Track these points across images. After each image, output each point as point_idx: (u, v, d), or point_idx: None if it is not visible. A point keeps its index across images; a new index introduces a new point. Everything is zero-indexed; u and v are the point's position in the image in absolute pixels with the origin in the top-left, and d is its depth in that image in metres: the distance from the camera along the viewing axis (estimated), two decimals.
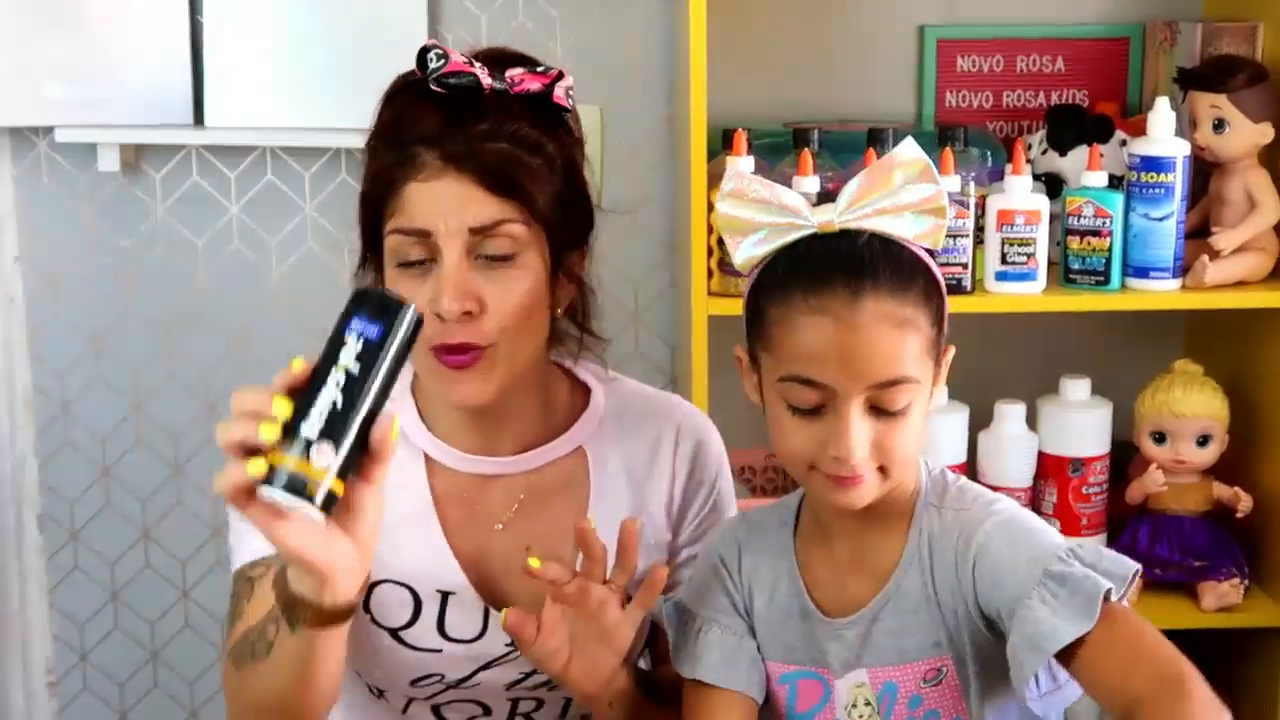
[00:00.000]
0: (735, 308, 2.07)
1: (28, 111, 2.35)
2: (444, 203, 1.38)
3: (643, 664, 1.59)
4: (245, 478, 1.14)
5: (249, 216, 2.42)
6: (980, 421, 2.22)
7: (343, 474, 1.15)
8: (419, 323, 1.18)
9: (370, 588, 1.50)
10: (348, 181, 2.39)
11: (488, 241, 1.39)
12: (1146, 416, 2.22)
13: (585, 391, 1.58)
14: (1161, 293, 2.13)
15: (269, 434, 1.13)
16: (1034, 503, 2.23)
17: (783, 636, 1.39)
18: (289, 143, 2.39)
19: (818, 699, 1.38)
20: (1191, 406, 2.19)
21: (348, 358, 1.15)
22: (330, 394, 1.14)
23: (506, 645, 1.50)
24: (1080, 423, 2.24)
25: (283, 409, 1.13)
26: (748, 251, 1.32)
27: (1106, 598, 1.23)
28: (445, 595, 1.50)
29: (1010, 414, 2.22)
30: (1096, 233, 2.10)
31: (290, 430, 1.14)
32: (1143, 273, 2.12)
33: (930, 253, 1.32)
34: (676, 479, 1.57)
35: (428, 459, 1.52)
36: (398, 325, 1.17)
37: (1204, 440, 2.20)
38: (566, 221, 1.46)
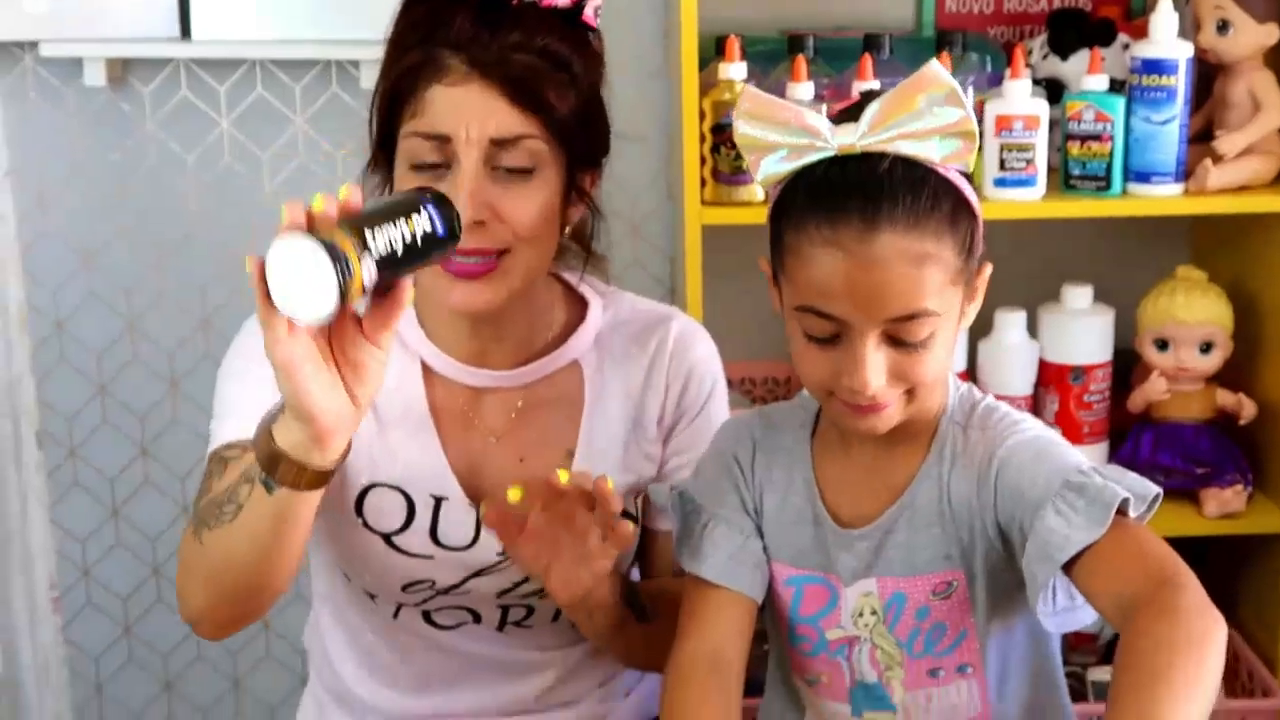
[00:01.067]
0: (730, 217, 2.09)
1: (11, 25, 2.30)
2: (467, 110, 1.37)
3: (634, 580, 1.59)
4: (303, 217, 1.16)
5: (239, 131, 2.39)
6: (980, 330, 2.21)
7: (365, 287, 1.16)
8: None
9: (363, 492, 1.50)
10: (338, 95, 2.36)
11: (506, 154, 1.38)
12: (1149, 324, 2.20)
13: (583, 305, 1.56)
14: (1164, 198, 2.10)
15: (318, 205, 1.15)
16: (1035, 411, 2.21)
17: (792, 540, 1.38)
18: (278, 55, 2.35)
19: (824, 604, 1.37)
20: (1194, 313, 2.17)
21: (418, 227, 1.20)
22: (396, 234, 1.17)
23: (499, 554, 1.50)
24: (1082, 330, 2.22)
25: (348, 192, 1.16)
26: (769, 169, 1.28)
27: (1123, 511, 1.21)
28: (439, 500, 1.50)
29: (1010, 322, 2.21)
30: (1097, 137, 2.07)
31: (347, 225, 1.15)
32: (1144, 178, 2.09)
33: (965, 174, 1.27)
34: (669, 393, 1.55)
35: (425, 367, 1.51)
36: (449, 229, 1.23)
37: (1207, 347, 2.18)
38: (584, 142, 1.44)
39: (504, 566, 1.51)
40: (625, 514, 1.50)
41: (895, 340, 1.25)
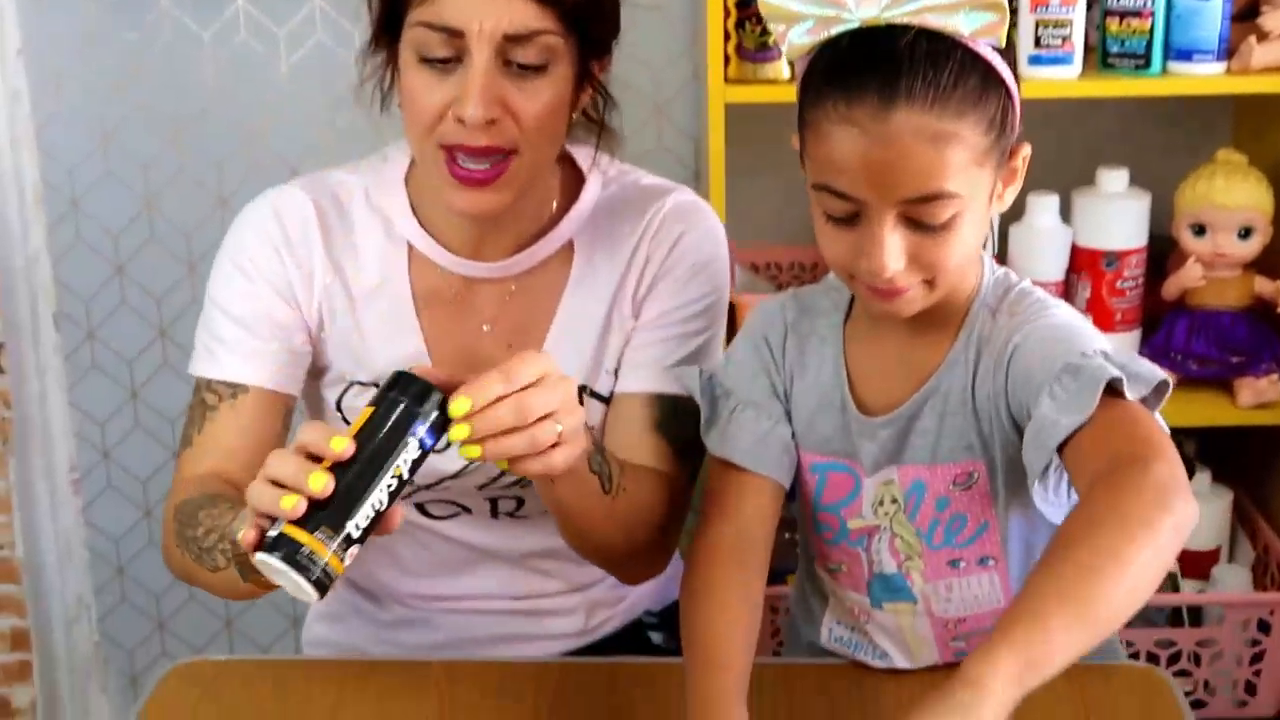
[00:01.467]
0: (755, 96, 2.03)
1: None
2: (481, 3, 1.31)
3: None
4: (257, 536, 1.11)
5: (256, 7, 2.34)
6: (1011, 214, 2.08)
7: (347, 568, 1.13)
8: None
9: (345, 390, 1.49)
10: None
11: (520, 50, 1.32)
12: (1186, 208, 2.14)
13: (583, 184, 1.51)
14: (1205, 77, 2.04)
15: (288, 504, 1.09)
16: (1066, 298, 2.16)
17: (818, 426, 1.36)
18: None
19: (847, 492, 1.36)
20: (1234, 197, 2.11)
21: (405, 464, 1.12)
22: (380, 496, 1.12)
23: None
24: (1116, 214, 2.16)
25: (318, 483, 1.09)
26: (794, 40, 1.24)
27: (1115, 390, 1.15)
28: None
29: (1043, 206, 2.16)
30: (1137, 13, 2.00)
31: (322, 512, 1.10)
32: (1185, 56, 2.03)
33: (1001, 50, 1.22)
34: (649, 265, 1.49)
35: (411, 252, 1.48)
36: (444, 438, 1.14)
37: (1246, 233, 2.13)
38: (597, 29, 1.39)
39: (472, 470, 1.48)
40: (594, 394, 1.49)
41: (915, 222, 1.21)
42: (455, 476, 1.49)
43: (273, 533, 1.11)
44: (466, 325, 1.49)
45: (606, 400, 1.50)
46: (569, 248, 1.49)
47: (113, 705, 2.63)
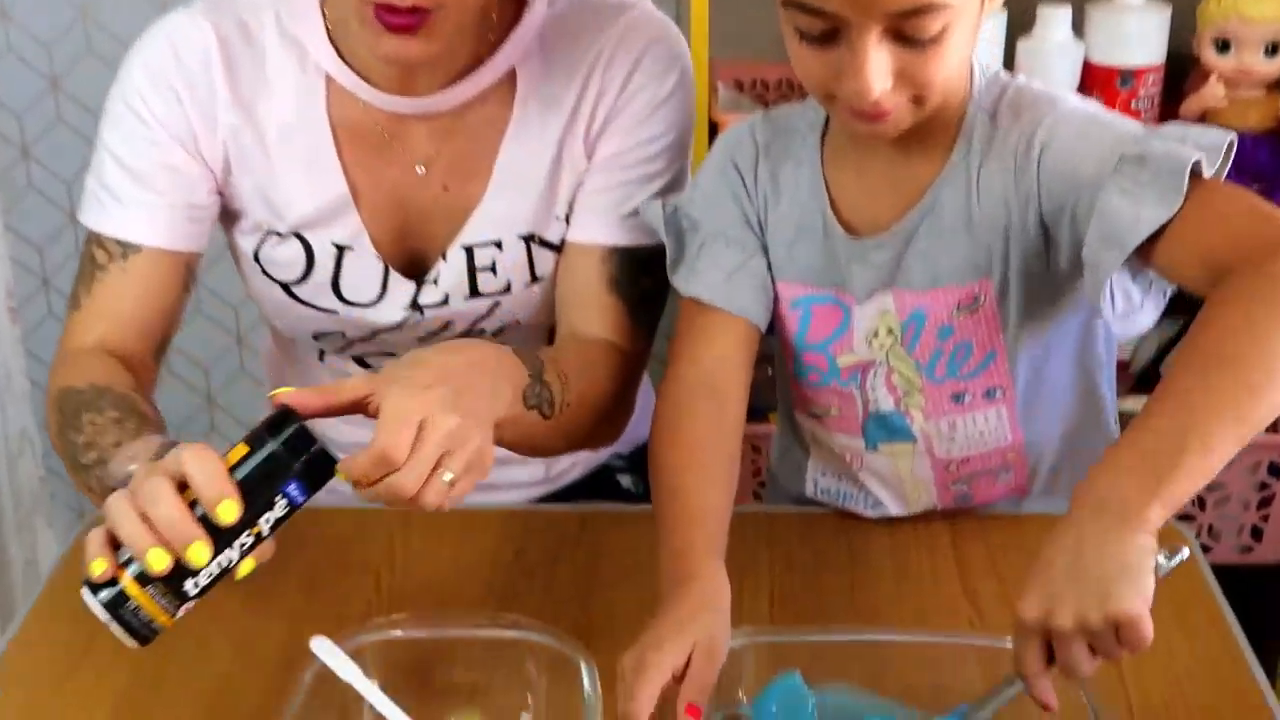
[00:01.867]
0: None
1: None
2: None
3: None
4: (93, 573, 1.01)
5: None
6: (1020, 26, 2.06)
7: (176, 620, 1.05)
8: None
9: (262, 240, 1.37)
10: None
11: None
12: (1210, 21, 2.03)
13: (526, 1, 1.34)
14: None
15: (158, 565, 0.99)
16: None
17: (799, 256, 1.26)
18: None
19: (834, 328, 1.27)
20: (1261, 9, 2.00)
21: (266, 523, 1.03)
22: (231, 555, 1.02)
23: (405, 310, 1.37)
24: (1133, 28, 2.06)
25: (200, 557, 0.99)
26: None
27: (1196, 173, 1.07)
28: (341, 250, 1.35)
29: (1054, 18, 2.05)
30: None
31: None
32: None
33: None
34: (602, 98, 1.34)
35: (330, 84, 1.32)
36: (317, 488, 1.04)
37: (1273, 49, 2.02)
38: None
39: (412, 324, 1.37)
40: (544, 243, 1.37)
41: (901, 36, 1.09)
42: (394, 329, 1.38)
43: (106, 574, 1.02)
44: (396, 167, 1.34)
45: (558, 249, 1.37)
46: (511, 78, 1.33)
47: (60, 540, 2.57)
